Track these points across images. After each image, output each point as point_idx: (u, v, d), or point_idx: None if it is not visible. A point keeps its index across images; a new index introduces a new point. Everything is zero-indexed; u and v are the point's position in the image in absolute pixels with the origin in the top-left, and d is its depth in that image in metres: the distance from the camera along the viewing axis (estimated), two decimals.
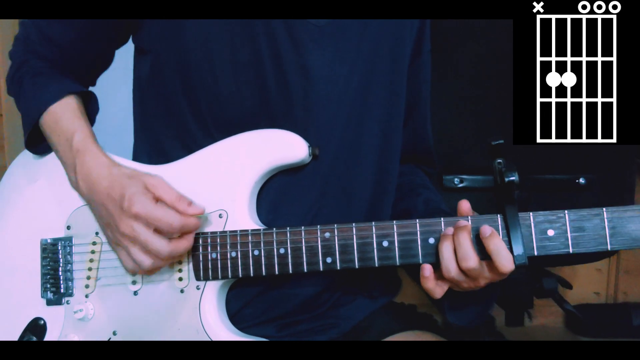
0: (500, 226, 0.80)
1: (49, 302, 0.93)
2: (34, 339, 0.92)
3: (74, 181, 0.90)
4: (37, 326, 0.93)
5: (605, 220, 0.79)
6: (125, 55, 1.02)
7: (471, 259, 0.78)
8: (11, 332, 0.93)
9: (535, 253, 0.80)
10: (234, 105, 0.90)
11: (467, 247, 0.78)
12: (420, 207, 1.02)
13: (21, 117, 0.96)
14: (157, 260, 0.83)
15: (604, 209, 0.79)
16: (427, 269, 0.80)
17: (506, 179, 0.79)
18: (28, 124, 0.94)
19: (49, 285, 0.93)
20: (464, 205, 0.83)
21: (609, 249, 0.79)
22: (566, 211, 0.80)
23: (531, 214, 0.80)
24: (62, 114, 0.92)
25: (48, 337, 0.92)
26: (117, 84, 1.10)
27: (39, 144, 0.97)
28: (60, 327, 0.92)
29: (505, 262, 0.77)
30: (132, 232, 0.81)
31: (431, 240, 0.82)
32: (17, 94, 0.97)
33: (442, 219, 0.82)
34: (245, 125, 0.90)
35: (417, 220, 0.82)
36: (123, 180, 0.84)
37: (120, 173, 0.85)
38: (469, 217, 0.81)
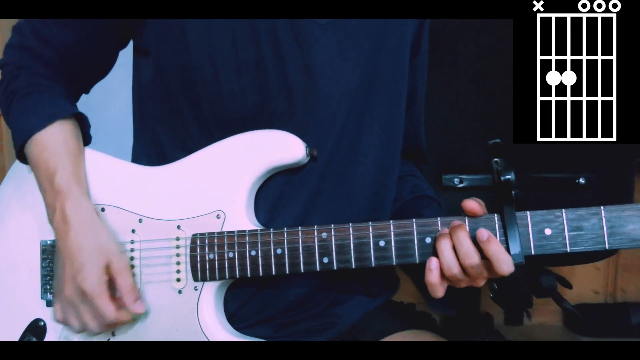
0: (497, 225, 0.80)
1: (49, 304, 0.93)
2: (34, 340, 0.92)
3: (50, 218, 0.89)
4: (37, 327, 0.93)
5: (604, 219, 0.78)
6: (125, 56, 1.02)
7: (473, 256, 0.78)
8: (11, 333, 0.93)
9: (533, 252, 0.79)
10: (237, 105, 0.90)
11: (468, 244, 0.78)
12: (407, 192, 1.03)
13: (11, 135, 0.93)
14: (85, 330, 0.86)
15: (602, 207, 0.79)
16: (434, 262, 0.79)
17: (502, 178, 0.79)
18: (15, 147, 0.92)
19: (49, 287, 0.93)
20: (468, 204, 0.80)
21: (607, 247, 0.79)
22: (564, 210, 0.79)
23: (528, 213, 0.79)
24: (45, 146, 0.88)
25: (48, 339, 0.92)
26: (116, 84, 1.10)
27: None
28: (60, 329, 0.92)
29: (505, 266, 0.77)
30: (72, 301, 0.85)
31: (428, 240, 0.82)
32: (6, 111, 0.93)
33: (438, 218, 0.82)
34: (247, 125, 0.90)
35: (414, 220, 0.82)
36: (87, 252, 0.84)
37: (89, 241, 0.85)
38: (465, 218, 0.81)
